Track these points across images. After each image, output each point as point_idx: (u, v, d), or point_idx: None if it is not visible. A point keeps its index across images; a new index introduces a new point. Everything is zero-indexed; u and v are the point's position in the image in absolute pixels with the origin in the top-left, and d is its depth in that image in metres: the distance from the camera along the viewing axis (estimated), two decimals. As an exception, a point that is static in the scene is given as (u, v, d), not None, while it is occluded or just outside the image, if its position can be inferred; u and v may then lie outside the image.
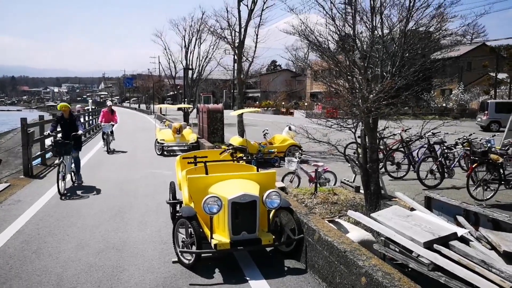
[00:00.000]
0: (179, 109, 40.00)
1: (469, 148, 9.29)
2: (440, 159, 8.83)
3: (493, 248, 2.80)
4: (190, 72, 27.56)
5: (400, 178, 9.45)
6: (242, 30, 14.14)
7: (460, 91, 38.31)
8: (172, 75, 29.62)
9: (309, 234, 4.27)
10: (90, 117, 23.56)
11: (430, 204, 4.10)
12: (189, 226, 4.17)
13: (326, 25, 5.83)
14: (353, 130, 5.74)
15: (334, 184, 8.21)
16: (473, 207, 3.61)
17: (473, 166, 7.18)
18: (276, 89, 53.43)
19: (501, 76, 36.79)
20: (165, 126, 14.74)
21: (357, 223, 5.11)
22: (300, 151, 11.98)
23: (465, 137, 10.14)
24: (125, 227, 5.56)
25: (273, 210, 4.41)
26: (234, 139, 12.12)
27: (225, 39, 15.35)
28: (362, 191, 7.61)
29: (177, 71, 29.22)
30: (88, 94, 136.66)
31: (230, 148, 5.68)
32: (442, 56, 6.78)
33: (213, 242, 4.07)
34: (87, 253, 4.62)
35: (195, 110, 27.42)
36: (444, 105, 38.93)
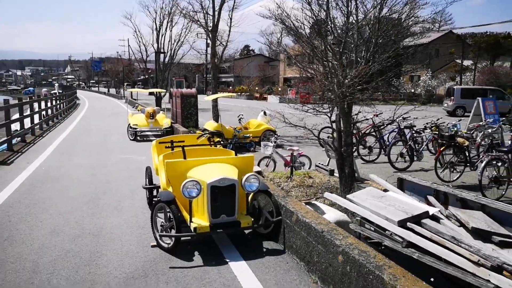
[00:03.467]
0: (150, 93, 39.22)
1: (437, 132, 9.67)
2: (409, 142, 9.13)
3: (462, 225, 2.97)
4: (162, 56, 27.00)
5: (372, 161, 9.72)
6: (216, 13, 13.93)
7: (428, 77, 39.44)
8: (143, 58, 28.89)
9: (287, 216, 4.36)
10: (57, 102, 22.50)
11: (402, 185, 4.27)
12: (168, 210, 4.16)
13: (302, 10, 5.85)
14: (329, 114, 5.84)
15: (309, 168, 8.37)
16: (443, 187, 3.79)
17: (441, 149, 7.48)
18: (249, 74, 53.20)
19: (466, 63, 38.09)
20: (138, 111, 14.46)
21: (332, 205, 5.26)
22: (275, 135, 12.11)
23: (433, 122, 10.53)
24: (100, 213, 5.48)
25: (252, 194, 4.46)
26: (209, 124, 12.06)
27: (198, 22, 15.08)
28: (336, 174, 7.80)
29: (149, 54, 28.55)
30: (53, 77, 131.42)
31: (207, 132, 5.66)
32: (414, 43, 6.96)
33: (193, 225, 4.09)
34: (62, 239, 4.54)
35: (167, 95, 27.05)
36: (412, 91, 40.02)
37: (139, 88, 45.57)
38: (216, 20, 13.94)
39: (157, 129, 12.89)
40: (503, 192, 6.62)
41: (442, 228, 2.94)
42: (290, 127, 6.36)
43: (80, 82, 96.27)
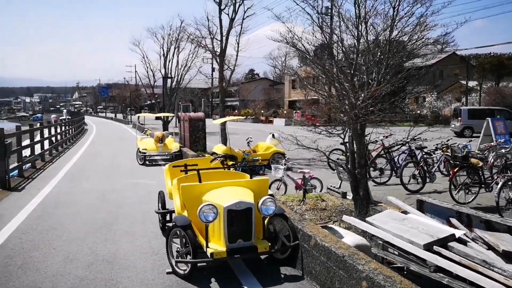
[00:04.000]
0: (157, 118, 39.60)
1: (449, 153, 9.60)
2: (421, 164, 9.05)
3: (490, 248, 2.88)
4: (169, 80, 27.41)
5: (383, 184, 9.62)
6: (224, 38, 14.20)
7: (433, 98, 39.49)
8: (151, 84, 29.34)
9: (304, 240, 4.28)
10: (66, 127, 22.43)
11: (422, 207, 4.19)
12: (184, 235, 4.10)
13: (313, 33, 5.93)
14: (342, 136, 5.82)
15: (320, 191, 8.28)
16: (465, 209, 3.71)
17: (455, 170, 7.39)
18: (254, 97, 53.68)
19: (471, 84, 38.19)
20: (147, 135, 14.53)
21: (349, 228, 5.16)
22: (285, 158, 12.08)
23: (443, 143, 10.46)
24: (113, 239, 5.41)
25: (268, 217, 4.40)
26: (218, 148, 12.08)
27: (206, 47, 15.35)
28: (349, 196, 7.71)
29: (156, 79, 28.99)
30: (61, 104, 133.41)
31: (220, 156, 5.65)
32: (423, 64, 7.00)
33: (209, 251, 4.02)
34: (76, 267, 4.47)
35: (173, 119, 27.30)
36: (418, 112, 40.02)
37: (145, 112, 46.10)
38: (224, 45, 14.18)
39: (166, 153, 12.91)
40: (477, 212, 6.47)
41: (471, 251, 2.86)
42: (298, 149, 6.34)
43: (88, 108, 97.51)
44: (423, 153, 9.88)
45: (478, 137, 14.50)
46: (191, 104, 39.02)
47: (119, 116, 62.21)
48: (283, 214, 4.47)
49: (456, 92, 40.41)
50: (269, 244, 4.25)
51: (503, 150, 8.06)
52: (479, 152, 8.48)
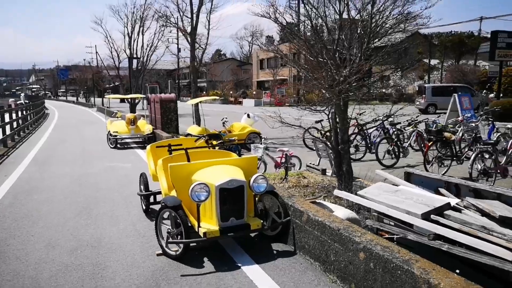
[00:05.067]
0: (122, 100, 38.27)
1: (420, 129, 9.91)
2: (395, 140, 9.29)
3: (484, 215, 2.99)
4: (134, 61, 26.51)
5: (358, 160, 9.82)
6: (194, 16, 13.76)
7: (397, 76, 40.51)
8: (116, 65, 28.25)
9: (296, 216, 4.29)
10: (25, 113, 20.66)
11: (409, 179, 4.29)
12: (175, 215, 4.00)
13: (291, 7, 5.81)
14: (326, 112, 5.83)
15: (299, 169, 8.34)
16: (454, 179, 3.83)
17: (430, 144, 7.63)
18: (222, 78, 53.05)
19: (433, 62, 39.42)
20: (118, 117, 14.04)
21: (335, 203, 5.23)
22: (264, 138, 12.04)
23: (413, 119, 10.78)
24: (95, 223, 5.23)
25: (259, 195, 4.36)
26: (192, 129, 11.87)
27: (176, 25, 14.87)
28: (328, 173, 7.82)
29: (121, 60, 27.93)
30: (17, 87, 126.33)
31: (205, 135, 5.53)
32: (390, 42, 7.04)
33: (202, 230, 3.95)
34: (60, 253, 4.29)
35: (140, 102, 26.53)
36: (382, 90, 40.99)
37: (109, 95, 44.44)
38: (194, 23, 13.78)
39: (139, 135, 12.55)
40: (492, 184, 6.80)
41: (468, 218, 2.95)
42: (272, 129, 6.30)
43: (46, 92, 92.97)
44: (395, 129, 10.17)
45: (442, 113, 15.08)
46: (158, 86, 38.12)
47: (81, 100, 59.82)
48: (274, 191, 4.46)
49: (419, 71, 41.62)
50: (262, 221, 4.23)
51: (473, 124, 8.39)
52: (452, 126, 8.79)
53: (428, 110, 24.05)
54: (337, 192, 4.40)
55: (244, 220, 4.14)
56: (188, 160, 4.42)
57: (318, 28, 5.66)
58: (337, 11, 5.77)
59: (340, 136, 5.95)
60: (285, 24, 5.73)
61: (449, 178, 3.86)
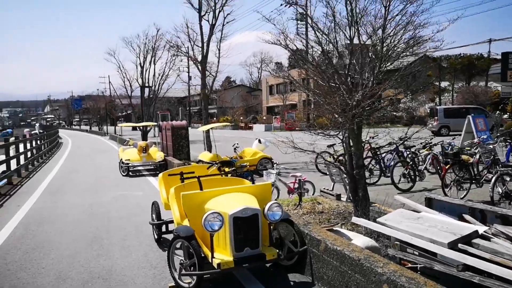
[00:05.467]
0: (134, 128, 38.69)
1: (434, 152, 9.72)
2: (410, 163, 9.10)
3: (515, 242, 2.82)
4: (146, 90, 26.93)
5: (373, 184, 9.61)
6: (205, 45, 14.00)
7: (407, 99, 40.37)
8: (128, 93, 28.73)
9: (312, 245, 4.13)
10: (39, 142, 20.62)
11: (430, 205, 4.12)
12: (188, 246, 3.88)
13: (306, 35, 5.84)
14: (340, 136, 5.74)
15: (313, 194, 8.18)
16: (479, 204, 3.66)
17: (447, 167, 7.43)
18: (232, 104, 53.52)
19: (443, 84, 39.26)
20: (129, 145, 14.12)
21: (352, 230, 5.05)
22: (275, 163, 11.93)
23: (427, 141, 10.60)
24: (106, 254, 5.12)
25: (273, 223, 4.23)
26: (204, 155, 11.84)
27: (187, 54, 15.12)
28: (343, 198, 7.65)
29: (133, 89, 28.40)
30: (32, 118, 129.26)
31: (217, 162, 5.45)
32: (401, 66, 7.00)
33: (216, 261, 3.81)
34: (71, 286, 4.18)
35: (152, 129, 26.78)
36: (394, 113, 40.79)
37: (121, 123, 45.06)
38: (205, 52, 13.99)
39: (150, 163, 12.55)
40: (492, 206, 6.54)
41: (498, 247, 2.78)
42: (285, 154, 6.22)
43: (61, 121, 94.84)
44: (409, 152, 9.99)
45: (455, 135, 14.83)
46: (169, 113, 38.53)
47: (94, 128, 60.76)
48: (289, 219, 4.32)
49: (430, 93, 41.44)
50: (277, 251, 4.08)
51: (490, 146, 8.18)
52: (469, 148, 8.59)
53: (441, 132, 23.76)
54: (355, 220, 4.25)
55: (259, 249, 3.99)
56: (201, 189, 4.33)
57: (329, 53, 5.64)
58: (347, 36, 5.77)
59: (354, 160, 5.83)
60: (295, 50, 5.73)
61: (473, 203, 3.69)
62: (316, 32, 5.68)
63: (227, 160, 5.94)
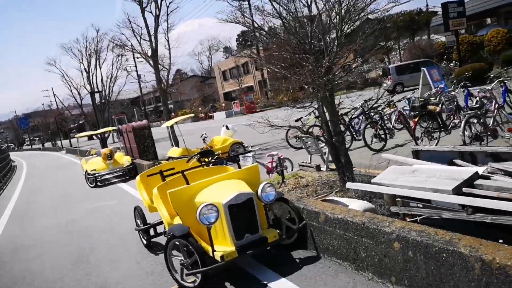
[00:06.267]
0: (89, 138, 37.10)
1: (399, 108, 9.94)
2: (380, 122, 9.26)
3: (514, 177, 2.85)
4: (97, 95, 25.79)
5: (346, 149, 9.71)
6: (153, 37, 13.41)
7: (358, 63, 41.22)
8: (78, 102, 27.41)
9: (311, 218, 4.05)
10: None
11: (418, 157, 4.14)
12: (186, 244, 3.69)
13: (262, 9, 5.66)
14: (315, 106, 5.66)
15: (291, 170, 8.15)
16: (467, 147, 3.70)
17: (416, 119, 7.59)
18: (188, 97, 52.53)
19: (389, 43, 40.34)
20: (92, 155, 13.45)
21: (342, 197, 5.03)
22: (243, 147, 11.79)
23: (388, 100, 10.84)
24: (96, 270, 4.82)
25: (268, 204, 4.10)
26: (173, 151, 11.49)
27: (134, 51, 14.47)
28: (323, 168, 7.66)
29: (83, 97, 27.11)
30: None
31: (196, 154, 5.22)
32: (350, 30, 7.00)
33: (218, 254, 3.64)
34: (66, 312, 3.88)
35: (110, 135, 25.77)
36: (341, 79, 41.53)
37: (75, 134, 43.03)
38: (154, 45, 13.42)
39: (118, 169, 12.01)
40: (486, 146, 6.80)
41: (503, 183, 2.81)
42: (253, 137, 6.14)
43: (9, 144, 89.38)
44: (375, 112, 10.17)
45: (410, 91, 15.29)
46: (125, 116, 37.22)
47: (48, 144, 57.79)
48: (283, 198, 4.21)
49: (378, 54, 42.54)
50: (278, 231, 3.97)
51: (452, 93, 8.44)
52: (434, 98, 8.83)
53: (396, 90, 24.43)
54: (350, 185, 4.20)
55: (259, 234, 3.86)
56: (187, 183, 4.11)
57: (292, 24, 5.48)
58: (305, 3, 5.64)
59: (332, 128, 5.79)
60: (256, 26, 5.53)
61: (463, 147, 3.73)
62: (273, 3, 5.50)
63: (207, 150, 5.71)
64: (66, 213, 8.63)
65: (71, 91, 27.59)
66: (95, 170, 11.58)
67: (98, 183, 11.73)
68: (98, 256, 5.31)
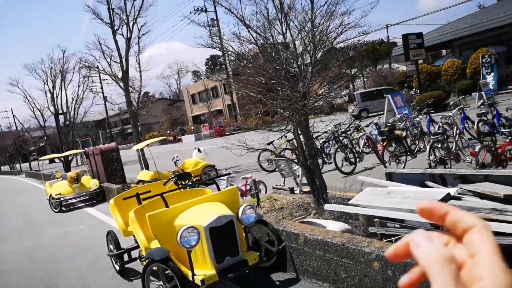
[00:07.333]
0: (51, 161, 35.69)
1: (367, 133, 10.33)
2: (349, 146, 9.56)
3: (483, 197, 3.05)
4: (61, 117, 25.05)
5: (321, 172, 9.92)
6: (123, 60, 13.32)
7: (324, 90, 42.53)
8: (41, 124, 26.46)
9: (290, 240, 4.11)
10: None
11: (391, 179, 4.33)
12: (165, 268, 3.63)
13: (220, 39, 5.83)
14: (291, 130, 5.81)
15: (265, 192, 8.22)
16: (437, 170, 3.92)
17: (384, 144, 7.91)
18: (156, 119, 51.92)
19: (353, 71, 42.05)
20: (57, 178, 12.94)
21: (318, 218, 5.12)
22: (215, 170, 11.76)
23: (355, 125, 11.26)
24: (66, 299, 4.60)
25: (248, 227, 4.12)
26: (144, 174, 11.29)
27: (102, 72, 14.29)
28: (296, 191, 7.77)
29: (46, 118, 26.23)
30: None
31: (173, 176, 5.18)
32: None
33: (198, 278, 3.60)
34: None
35: (74, 158, 24.92)
36: (315, 104, 42.70)
37: (34, 158, 41.31)
38: (125, 67, 13.32)
39: (85, 193, 11.61)
40: (450, 169, 7.17)
41: (473, 204, 2.99)
42: (224, 160, 6.23)
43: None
44: (344, 136, 10.51)
45: (374, 116, 15.92)
46: (90, 139, 36.24)
47: (5, 168, 54.94)
48: (262, 220, 4.25)
49: (345, 81, 44.03)
50: (257, 253, 3.98)
51: (416, 119, 8.88)
52: (400, 124, 9.24)
53: (361, 115, 25.26)
54: (328, 206, 4.31)
55: (240, 256, 3.86)
56: (167, 206, 4.08)
57: (269, 51, 5.67)
58: (280, 31, 5.86)
59: (307, 151, 5.94)
60: (237, 53, 5.68)
61: (432, 170, 3.95)
62: (250, 31, 5.69)
63: (185, 172, 5.68)
64: (30, 238, 8.21)
65: (33, 112, 26.57)
66: (60, 194, 11.13)
67: (63, 208, 11.27)
68: (68, 284, 5.08)
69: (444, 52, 36.59)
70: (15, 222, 10.63)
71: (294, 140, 6.20)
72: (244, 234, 4.07)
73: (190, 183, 5.25)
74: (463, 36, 26.63)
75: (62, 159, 22.00)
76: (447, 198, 3.12)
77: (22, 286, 5.34)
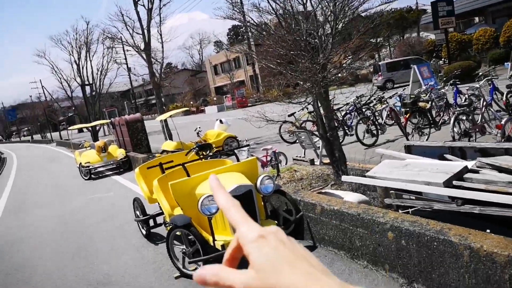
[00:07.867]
0: (79, 130, 36.81)
1: (390, 105, 10.16)
2: (372, 118, 9.47)
3: (501, 171, 3.04)
4: (87, 88, 25.63)
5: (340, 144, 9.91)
6: (145, 31, 13.40)
7: (349, 60, 41.49)
8: (68, 95, 27.17)
9: (308, 210, 4.22)
10: None
11: (410, 152, 4.33)
12: (188, 234, 3.83)
13: (258, 6, 5.77)
14: (311, 102, 5.82)
15: (285, 164, 8.32)
16: (457, 143, 3.90)
17: (407, 116, 7.80)
18: (179, 91, 52.30)
19: (378, 40, 40.68)
20: (86, 147, 13.44)
21: (337, 189, 5.21)
22: (236, 141, 11.92)
23: (379, 96, 11.06)
24: (97, 260, 4.93)
25: (267, 196, 4.26)
26: (167, 144, 11.56)
27: (126, 43, 14.44)
28: (316, 163, 7.84)
29: (73, 89, 26.89)
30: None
31: (195, 147, 5.35)
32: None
33: (219, 243, 3.80)
34: (70, 299, 4.00)
35: (101, 128, 25.66)
36: (339, 75, 41.87)
37: (64, 127, 42.67)
38: (147, 38, 13.41)
39: (112, 162, 12.05)
40: (474, 142, 7.04)
41: (490, 177, 3.00)
42: (246, 131, 6.33)
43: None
44: (366, 108, 10.39)
45: (400, 87, 15.54)
46: (116, 109, 37.03)
47: (37, 137, 57.13)
48: (280, 190, 4.37)
49: (369, 52, 42.83)
50: (275, 222, 4.13)
51: (442, 91, 8.66)
52: (424, 95, 9.05)
53: (386, 86, 24.70)
54: (345, 178, 4.38)
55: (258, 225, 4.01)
56: (188, 175, 4.24)
57: (289, 21, 5.62)
58: (300, 1, 5.78)
59: (326, 123, 5.96)
60: (256, 24, 5.65)
61: (452, 143, 3.93)
62: (269, 1, 5.62)
63: (206, 143, 5.83)
64: (62, 205, 8.69)
65: (61, 83, 27.29)
66: (89, 162, 11.61)
67: (92, 176, 11.78)
68: (98, 246, 5.42)
69: (476, 19, 34.80)
70: (47, 190, 11.21)
71: (315, 112, 6.19)
72: (262, 203, 4.21)
73: (211, 153, 5.39)
74: (497, 3, 25.20)
75: (90, 128, 22.67)
76: (464, 171, 3.12)
77: (56, 247, 5.72)
